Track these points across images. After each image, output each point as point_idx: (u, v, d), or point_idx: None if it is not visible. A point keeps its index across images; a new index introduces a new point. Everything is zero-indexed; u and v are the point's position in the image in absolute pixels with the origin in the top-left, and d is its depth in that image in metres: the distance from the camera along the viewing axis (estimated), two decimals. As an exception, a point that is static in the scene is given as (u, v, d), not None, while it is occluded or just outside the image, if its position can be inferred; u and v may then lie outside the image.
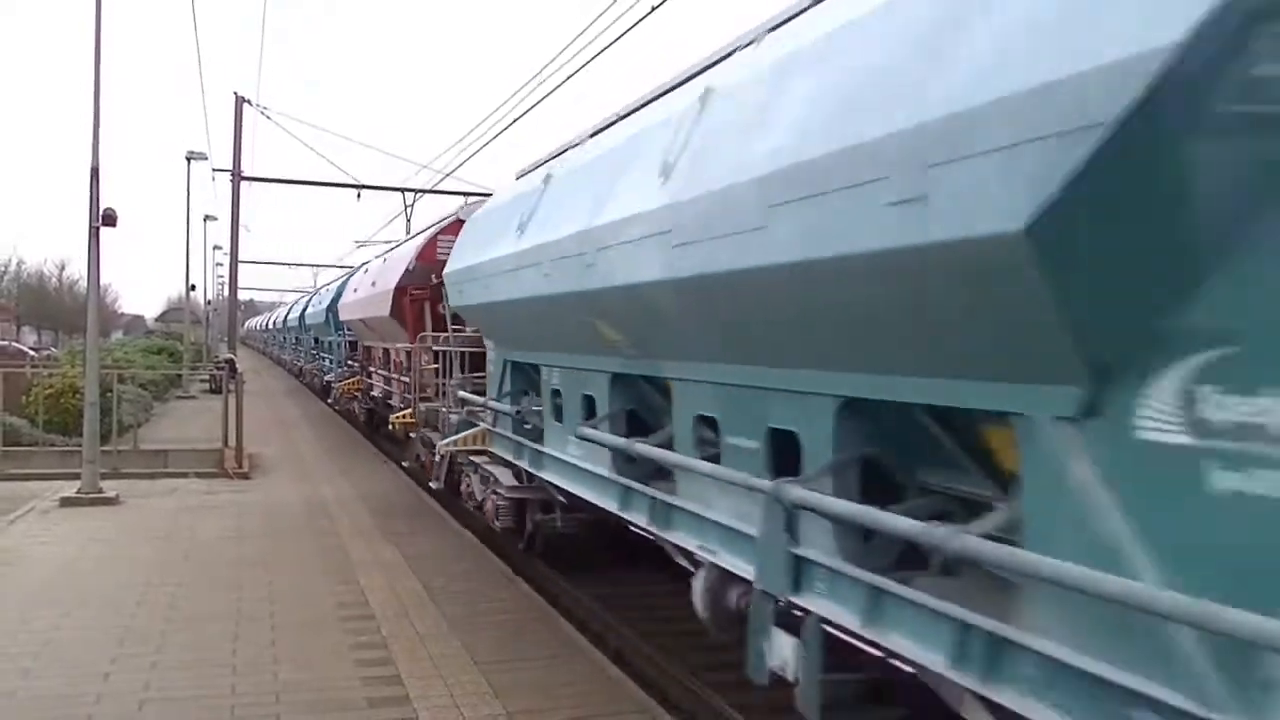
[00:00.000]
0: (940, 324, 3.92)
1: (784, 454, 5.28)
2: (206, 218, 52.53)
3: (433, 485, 14.48)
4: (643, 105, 8.04)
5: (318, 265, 64.64)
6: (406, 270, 17.96)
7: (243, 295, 49.64)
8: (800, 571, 5.05)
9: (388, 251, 24.38)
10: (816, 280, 4.47)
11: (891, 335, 4.28)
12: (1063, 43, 3.13)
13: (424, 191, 27.51)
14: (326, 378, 33.00)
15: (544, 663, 8.08)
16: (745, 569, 5.57)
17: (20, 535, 12.73)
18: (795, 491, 4.91)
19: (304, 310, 43.58)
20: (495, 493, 11.47)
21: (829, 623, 4.80)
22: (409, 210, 29.77)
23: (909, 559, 4.66)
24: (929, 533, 4.06)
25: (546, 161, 10.28)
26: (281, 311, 62.56)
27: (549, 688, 7.49)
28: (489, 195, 14.26)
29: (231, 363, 20.94)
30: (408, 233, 26.61)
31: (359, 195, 26.22)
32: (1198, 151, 2.88)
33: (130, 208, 17.00)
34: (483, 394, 12.24)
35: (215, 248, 59.73)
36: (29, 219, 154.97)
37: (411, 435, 17.29)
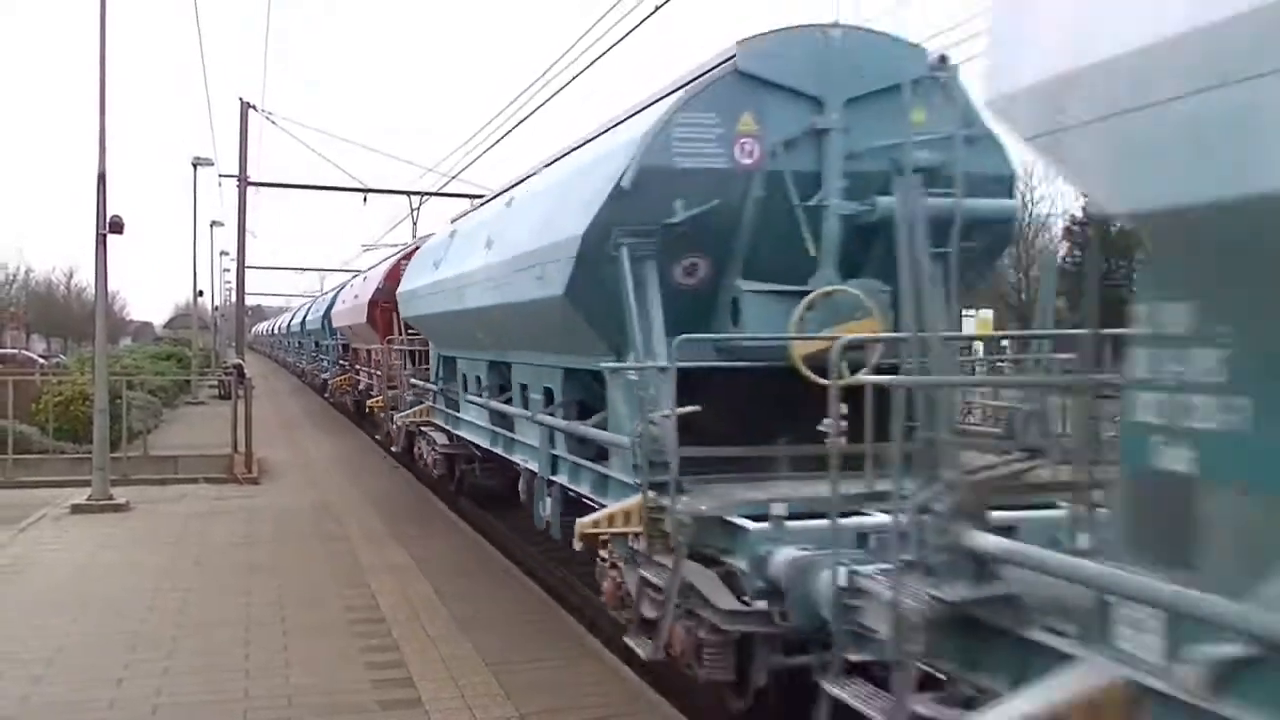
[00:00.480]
0: (571, 332, 8.41)
1: (551, 401, 9.67)
2: (213, 223, 52.48)
3: (394, 450, 19.52)
4: (497, 195, 13.37)
5: (324, 270, 64.75)
6: (377, 288, 22.94)
7: (250, 300, 50.18)
8: (554, 462, 9.51)
9: (369, 270, 29.65)
10: (529, 311, 9.13)
11: (567, 338, 8.71)
12: (563, 224, 8.12)
13: (430, 194, 27.56)
14: (323, 376, 37.69)
15: (555, 663, 8.10)
16: (534, 467, 10.14)
17: (32, 542, 12.77)
18: (544, 418, 9.62)
19: (304, 317, 48.20)
20: (433, 450, 15.61)
21: (565, 488, 9.26)
22: (415, 213, 29.84)
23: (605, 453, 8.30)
24: (556, 420, 9.37)
25: (459, 218, 16.05)
26: (285, 318, 67.97)
27: (560, 688, 7.51)
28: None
29: (240, 368, 20.99)
30: (414, 235, 26.70)
31: (365, 199, 26.30)
32: (603, 267, 7.39)
33: (137, 214, 17.08)
34: (427, 380, 17.11)
35: (222, 253, 59.76)
36: (35, 226, 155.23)
37: (382, 415, 21.83)
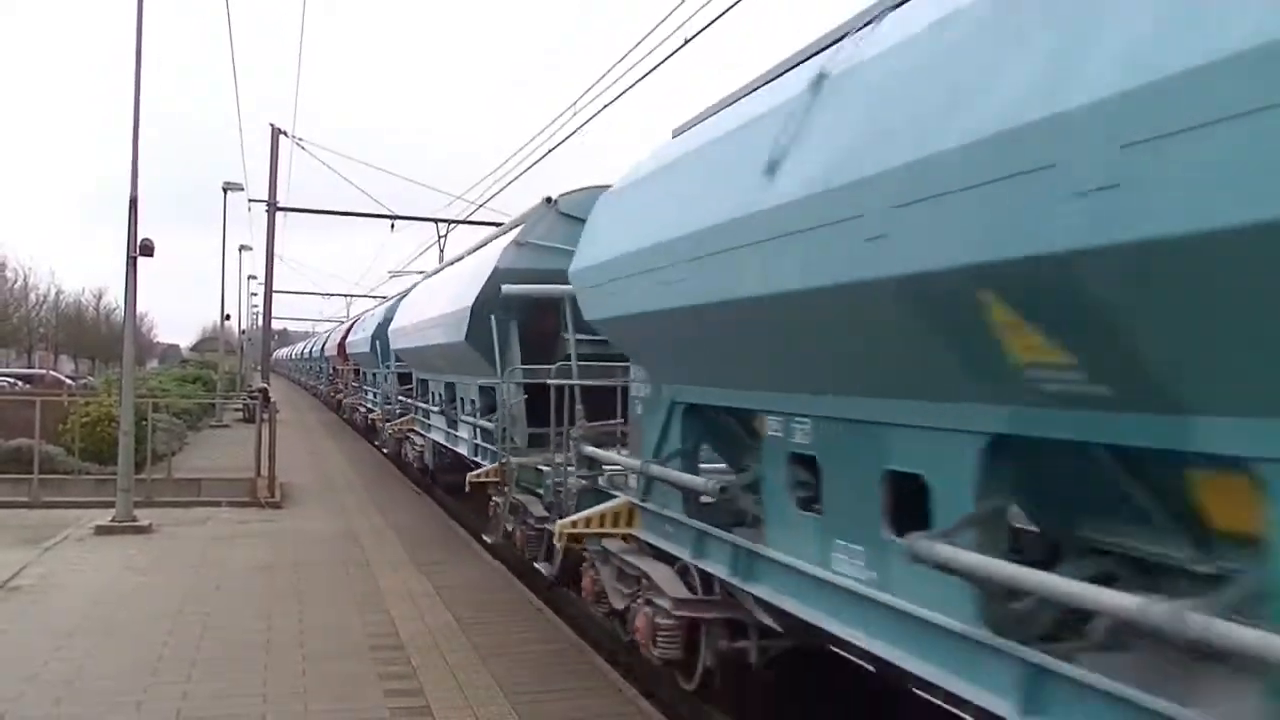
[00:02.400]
0: (471, 361, 14.18)
1: (475, 406, 14.84)
2: (241, 248, 52.98)
3: (384, 451, 19.59)
4: (438, 270, 19.45)
5: (350, 295, 65.18)
6: (342, 337, 41.73)
7: (276, 325, 51.48)
8: (477, 449, 15.47)
9: (343, 324, 50.30)
10: (447, 349, 15.58)
11: (470, 365, 14.27)
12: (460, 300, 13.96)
13: (457, 222, 27.68)
14: (321, 387, 61.44)
15: (574, 695, 8.03)
16: (465, 450, 15.65)
17: (55, 562, 12.82)
18: (468, 419, 16.20)
19: (311, 348, 73.63)
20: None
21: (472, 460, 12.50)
22: (442, 241, 29.97)
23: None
24: (478, 420, 14.64)
25: (418, 282, 21.09)
26: (300, 346, 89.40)
27: (579, 721, 7.45)
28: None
29: (265, 392, 21.07)
30: (440, 262, 26.82)
31: (393, 226, 26.45)
32: (484, 324, 13.01)
33: (166, 236, 17.16)
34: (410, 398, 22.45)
35: (250, 277, 60.29)
36: (66, 246, 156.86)
37: (380, 425, 28.18)
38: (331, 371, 52.05)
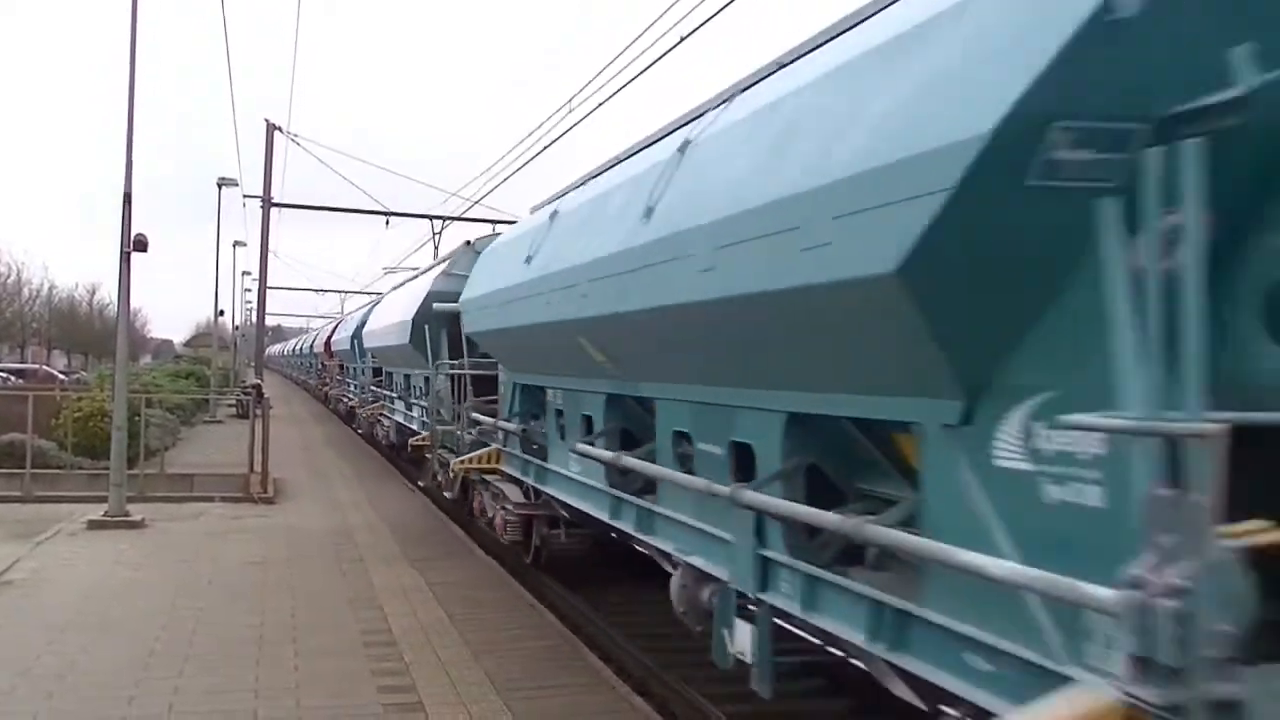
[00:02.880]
0: (414, 355, 18.97)
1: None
2: (236, 244, 52.95)
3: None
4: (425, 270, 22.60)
5: (344, 292, 65.15)
6: (328, 336, 44.99)
7: (270, 320, 51.78)
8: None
9: (327, 325, 56.39)
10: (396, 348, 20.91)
11: (413, 358, 18.87)
12: (404, 310, 20.25)
13: (451, 219, 27.70)
14: (311, 382, 65.33)
15: (566, 691, 8.05)
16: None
17: (47, 557, 12.81)
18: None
19: (302, 346, 75.78)
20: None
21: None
22: (437, 237, 29.99)
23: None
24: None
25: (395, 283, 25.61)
26: (292, 343, 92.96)
27: (571, 717, 7.46)
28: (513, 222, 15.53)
29: (259, 388, 21.05)
30: (435, 258, 26.88)
31: (388, 222, 26.46)
32: (422, 330, 18.06)
33: (160, 231, 17.14)
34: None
35: (244, 273, 60.23)
36: (59, 241, 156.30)
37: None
38: (320, 367, 56.99)
